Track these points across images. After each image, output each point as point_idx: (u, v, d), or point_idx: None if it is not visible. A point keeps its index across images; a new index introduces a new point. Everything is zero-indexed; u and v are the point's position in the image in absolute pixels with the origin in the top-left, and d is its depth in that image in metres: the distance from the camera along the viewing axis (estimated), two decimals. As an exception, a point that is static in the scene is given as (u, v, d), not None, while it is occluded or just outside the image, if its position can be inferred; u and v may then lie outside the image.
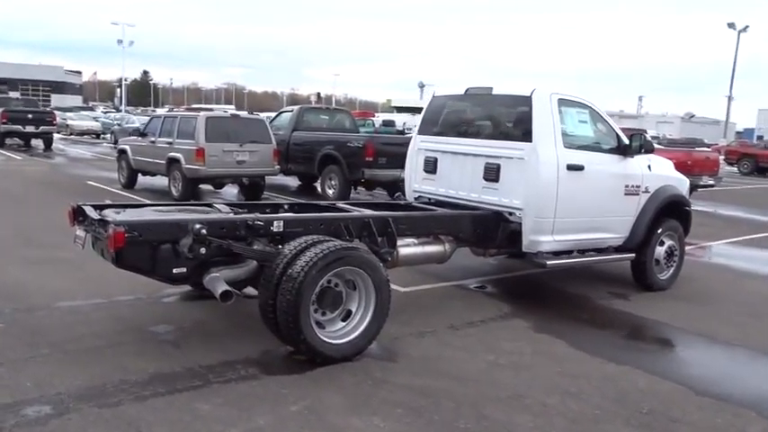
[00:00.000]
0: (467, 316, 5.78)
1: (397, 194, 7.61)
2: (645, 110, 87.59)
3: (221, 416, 3.67)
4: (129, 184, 13.87)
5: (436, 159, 6.92)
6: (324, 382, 4.19)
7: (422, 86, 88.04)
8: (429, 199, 7.07)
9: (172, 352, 4.59)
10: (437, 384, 4.26)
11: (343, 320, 4.66)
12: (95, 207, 4.90)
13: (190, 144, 11.68)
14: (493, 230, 6.29)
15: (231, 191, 13.94)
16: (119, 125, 31.34)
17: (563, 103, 6.22)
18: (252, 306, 4.78)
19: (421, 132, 7.19)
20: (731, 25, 42.02)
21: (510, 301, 6.36)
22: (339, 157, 12.46)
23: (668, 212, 7.06)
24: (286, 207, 5.85)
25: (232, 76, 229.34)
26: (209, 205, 5.48)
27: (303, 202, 6.09)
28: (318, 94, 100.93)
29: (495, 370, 4.59)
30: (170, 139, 12.28)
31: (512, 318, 5.84)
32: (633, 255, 6.85)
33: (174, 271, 4.49)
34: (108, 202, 5.16)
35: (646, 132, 6.80)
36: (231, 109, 26.38)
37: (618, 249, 6.84)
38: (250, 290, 4.85)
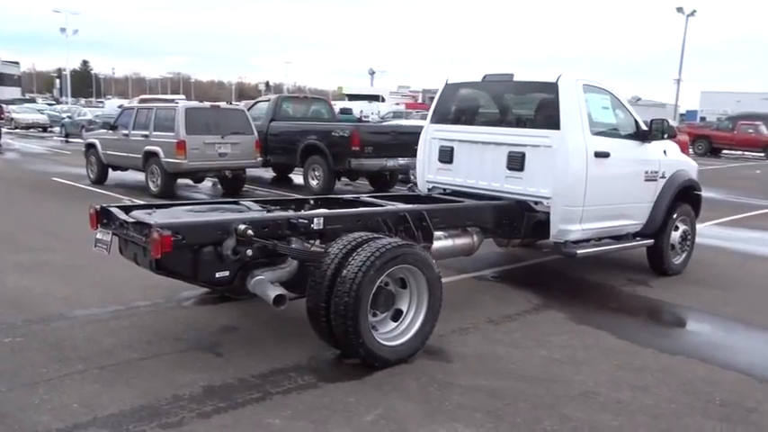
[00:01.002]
0: (500, 309, 5.64)
1: (409, 185, 7.39)
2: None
3: (296, 431, 3.42)
4: (100, 179, 13.23)
5: (452, 149, 6.73)
6: (387, 388, 3.97)
7: (372, 73, 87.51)
8: (444, 189, 6.89)
9: (215, 361, 4.29)
10: (503, 384, 4.10)
11: (394, 321, 4.45)
12: (121, 209, 4.53)
13: (169, 137, 11.18)
14: (518, 220, 6.16)
15: (206, 185, 13.47)
16: (69, 118, 30.06)
17: (587, 88, 6.11)
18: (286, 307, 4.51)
19: (434, 121, 6.98)
20: (680, 9, 43.11)
21: (535, 292, 6.25)
22: (323, 148, 12.14)
23: (682, 197, 7.07)
24: (312, 203, 5.57)
25: (175, 65, 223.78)
26: (236, 203, 5.16)
27: (325, 197, 5.82)
28: (267, 83, 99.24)
29: (554, 366, 4.46)
30: (146, 132, 11.73)
31: (545, 309, 5.73)
32: (651, 240, 6.83)
33: (217, 275, 4.19)
34: (127, 201, 4.78)
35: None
36: (182, 99, 25.55)
37: (635, 236, 6.82)
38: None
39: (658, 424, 3.67)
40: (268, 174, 15.72)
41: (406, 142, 12.46)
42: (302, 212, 4.75)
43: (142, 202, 4.85)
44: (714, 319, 5.67)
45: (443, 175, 6.85)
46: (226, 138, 11.50)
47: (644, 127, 6.55)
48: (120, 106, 33.73)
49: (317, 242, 4.72)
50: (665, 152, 6.87)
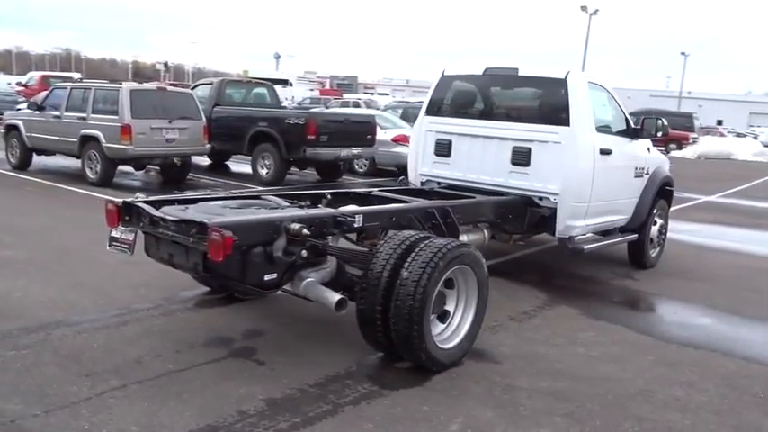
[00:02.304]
0: (515, 306, 5.62)
1: (401, 178, 7.20)
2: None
3: (389, 446, 3.22)
4: (23, 164, 12.11)
5: (450, 142, 6.62)
6: (454, 393, 3.84)
7: (278, 57, 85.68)
8: (438, 183, 6.78)
9: (260, 370, 3.98)
10: (563, 385, 4.06)
11: (441, 322, 4.30)
12: (151, 205, 4.09)
13: (112, 120, 10.36)
14: (521, 216, 6.17)
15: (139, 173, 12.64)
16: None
17: (590, 85, 6.18)
18: (296, 307, 4.27)
19: (429, 113, 6.83)
20: (584, 8, 45.02)
21: (537, 287, 6.28)
22: (275, 135, 11.68)
23: (659, 193, 7.33)
24: (329, 197, 5.30)
25: (62, 39, 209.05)
26: (259, 197, 4.81)
27: (337, 191, 5.54)
28: (166, 64, 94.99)
29: (598, 364, 4.47)
30: (82, 114, 10.82)
31: (556, 305, 5.76)
32: (636, 235, 7.05)
33: (266, 278, 3.87)
34: (140, 195, 4.33)
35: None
36: (78, 77, 23.95)
37: (621, 230, 7.01)
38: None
39: (726, 421, 3.75)
40: (203, 161, 14.98)
41: (358, 132, 12.31)
42: (345, 209, 4.49)
43: (163, 198, 4.40)
44: (712, 312, 5.89)
45: (440, 169, 6.73)
46: (173, 123, 10.80)
47: (633, 124, 6.74)
48: (19, 83, 31.25)
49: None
50: (648, 149, 7.09)
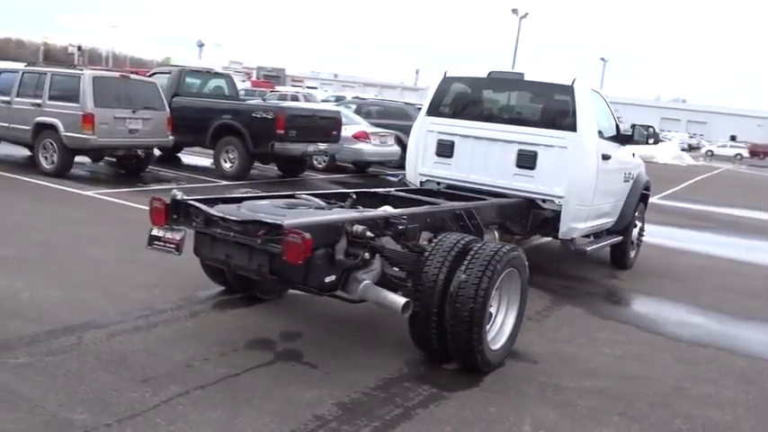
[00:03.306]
0: (527, 306, 5.74)
1: (399, 177, 7.20)
2: (425, 83, 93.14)
3: (474, 448, 3.26)
4: (-39, 152, 11.29)
5: (453, 143, 6.70)
6: (512, 394, 3.92)
7: (201, 45, 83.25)
8: (438, 183, 6.85)
9: (317, 374, 3.92)
10: (605, 385, 4.21)
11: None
12: (206, 203, 3.94)
13: (72, 108, 9.81)
14: (526, 217, 6.33)
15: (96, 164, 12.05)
16: None
17: (592, 92, 6.41)
18: (320, 307, 4.27)
19: (431, 113, 6.87)
20: (514, 11, 46.27)
21: (540, 287, 6.36)
22: (241, 128, 11.39)
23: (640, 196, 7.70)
24: (353, 197, 5.25)
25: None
26: (293, 195, 4.71)
27: (359, 191, 5.49)
28: (79, 47, 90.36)
29: (627, 364, 4.66)
30: (37, 101, 10.20)
31: (563, 305, 5.94)
32: (621, 237, 7.37)
33: (327, 280, 3.82)
34: (178, 194, 4.15)
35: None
36: None
37: (607, 232, 7.31)
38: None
39: (759, 416, 4.01)
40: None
41: (324, 127, 12.22)
42: (395, 211, 4.47)
43: (211, 197, 4.23)
44: (701, 311, 6.20)
45: (441, 169, 6.79)
46: (137, 113, 10.35)
47: (623, 130, 7.04)
48: None
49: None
50: (633, 155, 7.43)
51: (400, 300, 3.79)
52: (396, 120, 16.25)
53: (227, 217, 3.71)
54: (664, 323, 5.75)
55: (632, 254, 7.77)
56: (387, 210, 4.70)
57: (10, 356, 3.71)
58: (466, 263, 3.97)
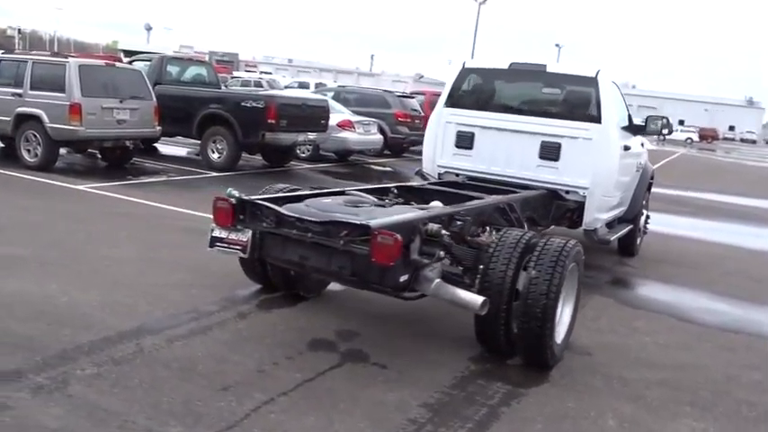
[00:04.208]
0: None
1: (417, 170, 7.12)
2: (380, 69, 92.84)
3: (571, 445, 3.27)
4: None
5: (473, 134, 6.67)
6: (581, 389, 3.95)
7: (149, 29, 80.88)
8: (457, 175, 6.82)
9: (390, 374, 3.86)
10: (663, 375, 4.28)
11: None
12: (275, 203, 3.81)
13: (58, 98, 9.38)
14: (549, 209, 6.38)
15: (72, 156, 11.60)
16: None
17: (612, 84, 6.47)
18: (362, 303, 4.23)
19: (449, 105, 6.83)
20: (473, -4, 46.39)
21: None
22: (230, 118, 11.12)
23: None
24: (395, 191, 5.18)
25: None
26: (343, 192, 4.61)
27: (398, 185, 5.42)
28: (19, 30, 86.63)
29: (673, 352, 4.76)
30: (17, 90, 9.71)
31: (592, 295, 5.95)
32: (631, 225, 7.50)
33: (401, 279, 3.75)
34: (235, 192, 4.02)
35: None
36: None
37: (618, 221, 7.43)
38: None
39: (814, 401, 4.15)
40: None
41: (313, 116, 12.05)
42: (455, 208, 4.42)
43: (272, 196, 4.09)
44: (720, 298, 6.35)
45: (460, 161, 6.77)
46: (125, 102, 9.98)
47: (635, 121, 7.15)
48: None
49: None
50: (642, 144, 7.56)
51: (477, 298, 3.75)
52: (375, 108, 16.15)
53: (306, 218, 3.60)
54: (690, 310, 5.88)
55: (639, 242, 7.93)
56: (438, 205, 4.65)
57: (76, 367, 3.53)
58: (534, 259, 3.96)
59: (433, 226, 3.76)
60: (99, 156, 11.20)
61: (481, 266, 4.01)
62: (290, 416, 3.25)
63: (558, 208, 6.42)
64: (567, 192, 6.34)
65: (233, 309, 4.70)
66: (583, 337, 4.83)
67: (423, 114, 17.44)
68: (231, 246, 3.83)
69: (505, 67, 6.65)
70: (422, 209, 4.33)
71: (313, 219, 3.58)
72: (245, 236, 3.79)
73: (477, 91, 6.82)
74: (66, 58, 9.71)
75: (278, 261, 3.98)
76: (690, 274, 7.20)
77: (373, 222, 3.46)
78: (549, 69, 6.45)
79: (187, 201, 8.41)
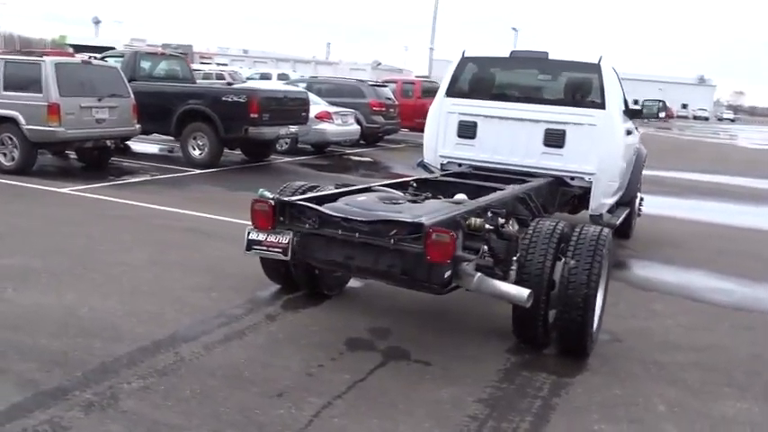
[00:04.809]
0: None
1: (419, 162, 7.07)
2: (338, 57, 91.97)
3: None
4: None
5: (476, 124, 6.66)
6: (622, 375, 4.00)
7: (97, 22, 78.57)
8: (459, 165, 6.81)
9: (437, 372, 3.85)
10: (694, 357, 4.37)
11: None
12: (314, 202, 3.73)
13: (35, 99, 9.01)
14: (555, 195, 6.42)
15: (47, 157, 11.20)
16: None
17: (612, 70, 6.53)
18: (383, 298, 4.23)
19: (450, 94, 6.80)
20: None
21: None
22: (211, 114, 10.88)
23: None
24: (414, 185, 5.14)
25: None
26: (370, 188, 4.55)
27: (417, 178, 5.37)
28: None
29: (695, 334, 4.86)
30: (-10, 91, 9.30)
31: (601, 279, 6.09)
32: (629, 208, 7.62)
33: (446, 275, 3.72)
34: (266, 193, 3.93)
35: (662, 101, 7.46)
36: None
37: (616, 205, 7.53)
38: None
39: (840, 374, 4.29)
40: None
41: (294, 108, 11.90)
42: (486, 200, 4.39)
43: (310, 195, 4.00)
44: (725, 277, 6.47)
45: (463, 151, 6.75)
46: (103, 101, 9.66)
47: (632, 105, 7.25)
48: None
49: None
50: (636, 128, 7.67)
51: (523, 290, 3.74)
52: (349, 98, 16.01)
53: (353, 217, 3.53)
54: (700, 290, 6.00)
55: (634, 224, 8.06)
56: (464, 198, 4.62)
57: (121, 381, 3.42)
58: (572, 248, 3.98)
59: (476, 220, 3.75)
60: (75, 157, 10.85)
61: (514, 258, 4.02)
62: (353, 419, 3.20)
63: (564, 194, 6.47)
64: (573, 178, 6.39)
65: (260, 311, 4.61)
66: (607, 323, 4.87)
67: (397, 103, 17.41)
68: (270, 248, 3.73)
69: (506, 55, 6.66)
70: (455, 202, 4.29)
71: (361, 218, 3.52)
72: (285, 238, 3.70)
73: (477, 80, 6.80)
74: (41, 56, 9.33)
75: (320, 262, 3.90)
76: (688, 255, 7.35)
77: (426, 220, 3.41)
78: (551, 57, 6.46)
79: (179, 200, 8.20)
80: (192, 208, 7.73)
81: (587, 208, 6.46)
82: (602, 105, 6.18)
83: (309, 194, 4.06)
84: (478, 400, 3.50)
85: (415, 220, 3.42)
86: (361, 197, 4.07)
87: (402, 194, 4.48)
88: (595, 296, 3.93)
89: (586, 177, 6.31)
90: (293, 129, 11.80)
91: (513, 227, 4.38)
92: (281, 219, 3.73)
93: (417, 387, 3.61)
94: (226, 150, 12.26)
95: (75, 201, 7.97)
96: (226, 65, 53.32)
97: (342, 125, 14.20)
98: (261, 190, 3.98)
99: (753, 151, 28.02)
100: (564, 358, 4.15)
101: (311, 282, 4.78)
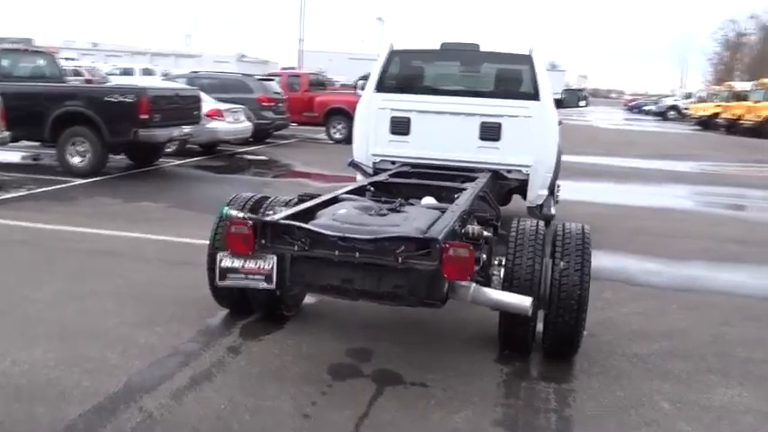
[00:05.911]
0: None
1: (350, 161, 6.67)
2: (198, 49, 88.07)
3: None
4: None
5: (409, 119, 6.42)
6: (614, 374, 3.92)
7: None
8: (393, 162, 6.55)
9: (439, 394, 3.56)
10: (665, 346, 4.37)
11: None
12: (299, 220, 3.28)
13: None
14: (494, 189, 6.33)
15: None
16: None
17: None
18: (354, 317, 4.00)
19: (380, 90, 6.49)
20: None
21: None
22: (93, 116, 9.79)
23: (556, 155, 8.10)
24: (372, 189, 4.79)
25: None
26: (337, 198, 4.14)
27: (373, 180, 4.96)
28: None
29: (654, 320, 4.91)
30: None
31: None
32: (552, 196, 7.72)
33: (444, 290, 3.45)
34: (232, 212, 3.44)
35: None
36: None
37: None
38: None
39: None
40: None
41: (185, 107, 11.10)
42: (462, 203, 4.12)
43: (290, 212, 3.49)
44: (680, 263, 6.60)
45: (397, 148, 6.49)
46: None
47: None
48: None
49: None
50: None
51: (524, 299, 3.54)
52: (235, 93, 15.21)
53: (352, 235, 3.13)
54: (636, 274, 6.14)
55: (553, 210, 8.20)
56: (433, 202, 4.36)
57: (88, 455, 2.82)
58: (560, 249, 3.85)
59: (474, 228, 3.49)
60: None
61: (496, 261, 3.83)
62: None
63: (501, 188, 6.40)
64: (509, 171, 6.32)
65: (217, 344, 4.08)
66: (602, 314, 4.83)
67: (285, 97, 16.82)
68: (250, 276, 3.26)
69: (437, 47, 6.44)
70: (439, 208, 4.01)
71: (361, 236, 3.13)
72: (269, 263, 3.24)
73: (408, 74, 6.56)
74: None
75: (311, 288, 3.48)
76: (608, 238, 7.53)
77: (439, 234, 3.10)
78: (482, 49, 6.34)
79: (72, 217, 7.26)
80: (91, 225, 6.85)
81: (524, 199, 6.44)
82: (535, 96, 6.16)
83: (289, 210, 3.59)
84: (496, 423, 3.27)
85: (428, 236, 3.10)
86: (341, 210, 3.67)
87: (376, 203, 4.12)
88: (587, 297, 3.82)
89: (523, 170, 6.27)
90: (186, 129, 10.95)
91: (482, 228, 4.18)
92: (263, 242, 3.26)
93: (428, 415, 3.31)
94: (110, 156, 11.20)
95: (-55, 226, 6.83)
96: (74, 59, 49.34)
97: (233, 123, 13.46)
98: (225, 208, 3.49)
99: (615, 132, 30.13)
100: (550, 361, 4.03)
101: (270, 304, 4.31)
